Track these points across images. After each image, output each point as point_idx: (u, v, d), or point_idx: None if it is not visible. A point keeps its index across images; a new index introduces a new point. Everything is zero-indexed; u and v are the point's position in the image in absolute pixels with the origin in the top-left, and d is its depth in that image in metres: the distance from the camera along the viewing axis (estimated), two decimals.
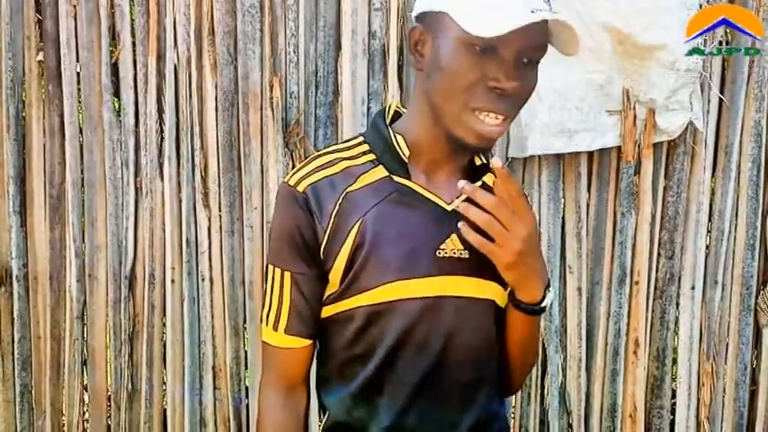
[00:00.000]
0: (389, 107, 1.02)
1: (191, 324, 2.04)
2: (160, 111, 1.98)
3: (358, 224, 0.92)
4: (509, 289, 0.97)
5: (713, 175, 2.07)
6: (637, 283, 2.07)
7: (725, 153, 2.05)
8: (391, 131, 0.96)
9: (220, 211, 2.00)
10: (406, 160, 0.95)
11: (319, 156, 0.98)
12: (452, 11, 0.86)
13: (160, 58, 1.97)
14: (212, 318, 2.05)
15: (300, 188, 0.93)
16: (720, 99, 2.02)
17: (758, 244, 2.09)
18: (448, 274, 0.93)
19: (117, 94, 2.01)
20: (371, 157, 0.96)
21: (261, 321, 1.00)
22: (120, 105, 2.01)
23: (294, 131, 1.96)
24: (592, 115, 1.94)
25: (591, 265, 2.08)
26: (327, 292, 0.96)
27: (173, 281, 2.03)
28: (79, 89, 2.00)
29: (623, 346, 2.09)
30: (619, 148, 2.00)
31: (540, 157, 2.00)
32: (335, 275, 0.94)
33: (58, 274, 2.06)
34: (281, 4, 1.93)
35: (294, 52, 1.94)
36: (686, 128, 1.98)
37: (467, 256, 0.94)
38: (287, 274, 0.96)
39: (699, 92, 1.96)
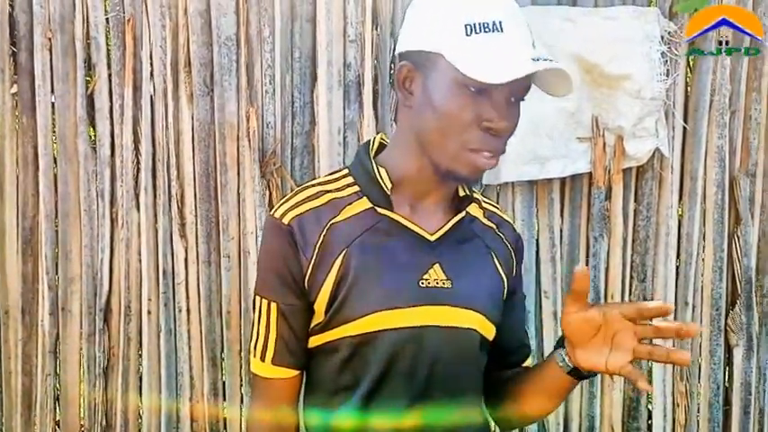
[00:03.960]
0: (374, 139, 1.04)
1: (167, 356, 2.02)
2: (136, 142, 1.98)
3: (342, 255, 0.93)
4: (569, 365, 0.93)
5: (680, 200, 2.14)
6: None
7: (690, 178, 2.11)
8: (374, 164, 0.98)
9: (197, 241, 2.00)
10: (389, 192, 0.96)
11: (305, 188, 0.99)
12: (448, 54, 0.88)
13: (136, 89, 1.97)
14: (189, 349, 2.03)
15: (285, 220, 0.94)
16: (684, 126, 2.09)
17: (725, 266, 2.15)
18: (431, 304, 0.94)
19: (92, 125, 2.01)
20: (356, 189, 0.98)
21: (249, 352, 1.01)
22: (95, 136, 2.01)
23: (271, 161, 1.98)
24: (563, 143, 2.00)
25: (566, 289, 2.12)
26: (313, 323, 0.97)
27: (149, 312, 2.01)
28: (54, 121, 1.99)
29: None
30: (590, 174, 2.05)
31: (513, 183, 2.04)
32: (320, 306, 0.95)
33: (30, 307, 2.03)
34: (257, 36, 1.96)
35: (270, 83, 1.97)
36: (653, 154, 2.04)
37: (449, 286, 0.95)
38: (273, 305, 0.96)
39: (663, 119, 2.03)
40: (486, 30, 0.87)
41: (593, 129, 2.01)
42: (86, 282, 2.01)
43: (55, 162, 2.01)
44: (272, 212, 0.97)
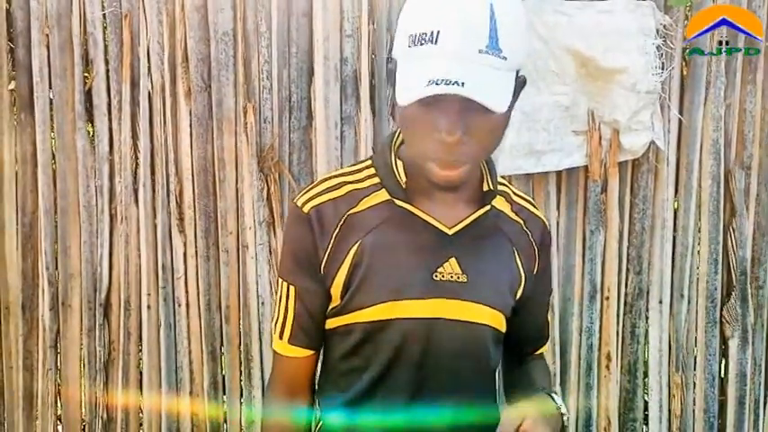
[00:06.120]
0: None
1: (167, 350, 2.03)
2: (134, 137, 1.99)
3: (357, 245, 0.95)
4: None
5: (676, 192, 2.15)
6: (607, 298, 2.12)
7: (686, 170, 2.13)
8: (393, 156, 0.99)
9: (196, 236, 2.01)
10: (404, 186, 0.97)
11: (327, 178, 1.01)
12: (399, 64, 0.87)
13: (134, 85, 1.98)
14: (189, 343, 2.04)
15: (305, 209, 0.97)
16: (680, 119, 2.10)
17: (721, 258, 2.16)
18: (444, 298, 0.96)
19: (91, 121, 2.01)
20: (376, 180, 0.99)
21: (272, 330, 1.04)
22: (93, 132, 2.01)
23: (268, 156, 1.99)
24: (559, 136, 2.01)
25: (562, 281, 2.13)
26: (330, 306, 1.00)
27: (149, 307, 2.02)
28: (52, 117, 2.00)
29: (596, 361, 2.14)
30: (586, 167, 2.06)
31: (509, 177, 2.05)
32: (336, 292, 0.98)
33: (30, 303, 2.04)
34: (254, 31, 1.97)
35: (267, 78, 1.98)
36: (649, 147, 2.05)
37: (465, 281, 0.96)
38: (292, 288, 1.00)
39: (659, 112, 2.04)
40: (423, 41, 0.81)
41: (589, 122, 2.02)
42: (86, 277, 2.02)
43: (53, 158, 2.02)
44: (294, 200, 1.00)
